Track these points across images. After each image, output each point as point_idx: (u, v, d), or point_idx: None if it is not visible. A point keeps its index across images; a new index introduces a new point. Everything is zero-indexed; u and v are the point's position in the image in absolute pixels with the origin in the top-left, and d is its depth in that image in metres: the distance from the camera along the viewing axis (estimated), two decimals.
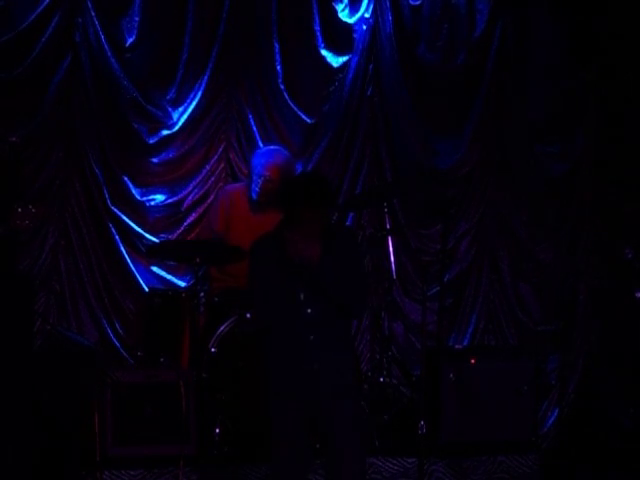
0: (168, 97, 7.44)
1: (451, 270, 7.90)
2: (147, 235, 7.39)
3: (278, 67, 7.58)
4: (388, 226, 7.08)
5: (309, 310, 4.82)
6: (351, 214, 7.73)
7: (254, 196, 7.01)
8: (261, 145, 7.55)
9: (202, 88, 7.48)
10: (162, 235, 7.43)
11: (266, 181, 6.95)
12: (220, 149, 7.57)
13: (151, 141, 7.42)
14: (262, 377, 5.01)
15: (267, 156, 7.04)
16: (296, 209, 4.73)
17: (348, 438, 4.86)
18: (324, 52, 7.69)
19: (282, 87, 7.60)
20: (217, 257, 6.84)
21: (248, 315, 6.41)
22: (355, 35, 7.75)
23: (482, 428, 6.74)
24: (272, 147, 7.24)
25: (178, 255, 6.88)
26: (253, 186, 7.01)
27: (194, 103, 7.48)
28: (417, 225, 7.90)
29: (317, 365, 4.83)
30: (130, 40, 7.31)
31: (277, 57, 7.57)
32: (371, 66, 7.80)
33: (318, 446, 4.99)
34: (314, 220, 4.73)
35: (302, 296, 4.73)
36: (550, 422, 7.79)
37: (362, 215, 7.77)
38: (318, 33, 7.66)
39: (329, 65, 7.72)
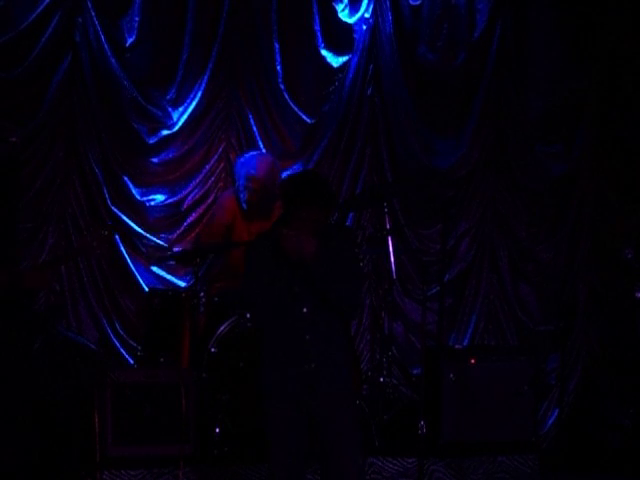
0: (168, 97, 7.44)
1: (451, 270, 7.90)
2: (147, 235, 7.39)
3: (278, 67, 7.58)
4: (388, 226, 7.08)
5: (305, 309, 4.81)
6: (351, 214, 7.73)
7: (244, 206, 7.01)
8: (261, 145, 7.56)
9: (202, 88, 7.48)
10: (162, 235, 7.44)
11: (250, 192, 6.94)
12: (220, 149, 7.57)
13: (151, 141, 7.42)
14: (257, 377, 4.99)
15: (247, 166, 7.00)
16: (294, 208, 4.74)
17: (345, 439, 4.84)
18: (324, 52, 7.70)
19: (282, 87, 7.60)
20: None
21: (248, 315, 6.41)
22: (355, 35, 7.75)
23: (482, 428, 6.74)
24: (252, 154, 7.17)
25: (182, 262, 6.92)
26: (241, 196, 7.01)
27: (194, 103, 7.48)
28: (417, 225, 7.90)
29: (314, 365, 4.82)
30: (130, 40, 7.31)
31: (277, 57, 7.58)
32: (371, 66, 7.80)
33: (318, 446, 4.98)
34: (311, 219, 4.74)
35: (296, 289, 4.75)
36: (550, 422, 7.80)
37: (362, 215, 7.77)
38: (318, 33, 7.66)
39: (329, 65, 7.72)
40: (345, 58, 7.74)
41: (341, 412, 4.86)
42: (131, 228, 7.36)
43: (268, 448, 4.89)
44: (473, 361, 6.82)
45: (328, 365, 4.84)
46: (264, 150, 7.51)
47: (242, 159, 7.13)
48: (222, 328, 6.46)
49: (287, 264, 4.77)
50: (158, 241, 7.41)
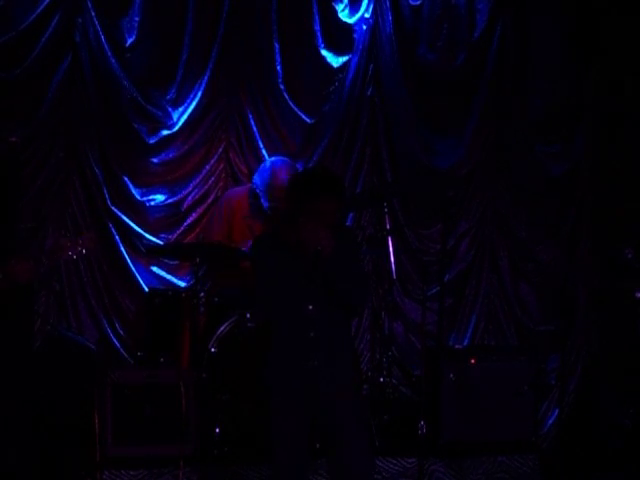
0: (168, 97, 7.45)
1: (451, 270, 7.90)
2: (147, 235, 7.39)
3: (278, 67, 7.58)
4: (388, 226, 7.08)
5: (310, 307, 4.82)
6: (351, 214, 7.73)
7: (267, 211, 6.90)
8: (261, 145, 7.55)
9: (202, 88, 7.48)
10: (162, 235, 7.44)
11: (274, 201, 6.83)
12: (220, 149, 7.57)
13: (151, 141, 7.42)
14: (262, 376, 5.01)
15: (270, 177, 6.82)
16: (310, 202, 4.74)
17: (354, 433, 4.85)
18: (324, 52, 7.70)
19: (282, 87, 7.60)
20: (218, 258, 6.84)
21: (248, 315, 6.41)
22: (355, 35, 7.75)
23: (482, 428, 6.74)
24: (273, 164, 6.94)
25: (179, 256, 6.90)
26: (263, 201, 6.88)
27: (194, 103, 7.48)
28: (417, 225, 7.90)
29: (316, 362, 4.83)
30: (130, 40, 7.32)
31: (277, 57, 7.58)
32: (371, 66, 7.80)
33: (318, 446, 4.98)
34: (328, 211, 4.75)
35: (304, 286, 4.75)
36: (550, 422, 7.79)
37: (362, 215, 7.77)
38: (318, 33, 7.66)
39: (329, 65, 7.72)
40: (345, 58, 7.74)
41: (347, 408, 4.87)
42: (131, 228, 7.36)
43: (271, 446, 4.90)
44: (473, 361, 6.82)
45: (331, 364, 4.85)
46: (265, 150, 7.52)
47: (264, 169, 6.91)
48: (222, 328, 6.46)
49: (297, 261, 4.78)
50: (158, 241, 7.42)
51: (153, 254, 7.31)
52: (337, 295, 4.82)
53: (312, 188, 4.76)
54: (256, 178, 6.93)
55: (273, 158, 7.10)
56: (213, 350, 6.41)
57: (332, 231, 4.75)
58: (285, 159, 7.07)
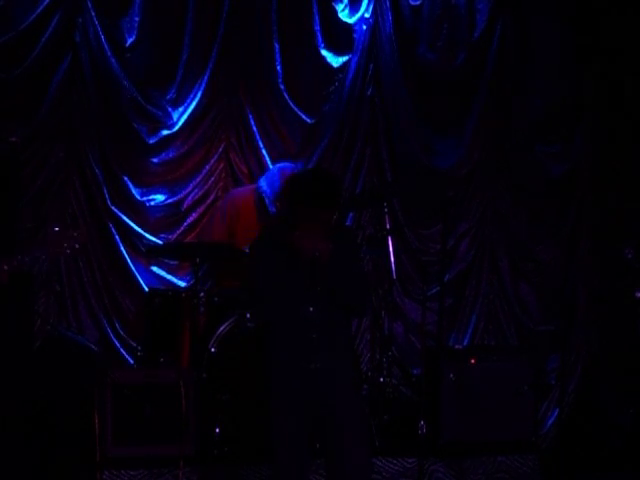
0: (168, 97, 7.45)
1: (451, 270, 7.90)
2: (147, 235, 7.40)
3: (278, 67, 7.58)
4: (388, 226, 7.08)
5: (311, 308, 4.82)
6: (351, 214, 7.73)
7: (274, 211, 6.92)
8: (261, 145, 7.55)
9: (202, 88, 7.48)
10: (162, 235, 7.44)
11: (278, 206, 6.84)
12: (220, 149, 7.57)
13: (151, 141, 7.42)
14: (262, 377, 5.02)
15: (280, 186, 6.80)
16: (305, 208, 4.72)
17: (354, 434, 4.85)
18: (324, 52, 7.70)
19: (282, 87, 7.61)
20: (218, 258, 6.85)
21: (248, 315, 6.41)
22: (355, 35, 7.75)
23: (482, 428, 6.74)
24: (281, 171, 6.94)
25: (179, 256, 6.90)
26: (270, 206, 6.91)
27: (194, 103, 7.48)
28: (417, 225, 7.90)
29: (318, 364, 4.83)
30: (130, 40, 7.32)
31: (277, 57, 7.58)
32: (371, 66, 7.80)
33: (318, 446, 4.98)
34: (323, 220, 4.74)
35: (305, 288, 4.74)
36: (550, 422, 7.80)
37: (362, 215, 7.77)
38: (318, 33, 7.66)
39: (329, 65, 7.72)
40: (345, 58, 7.74)
41: (347, 409, 4.87)
42: (131, 228, 7.36)
43: (272, 446, 4.90)
44: (473, 361, 6.82)
45: (331, 364, 4.85)
46: (265, 150, 7.52)
47: (269, 177, 6.93)
48: (222, 328, 6.45)
49: (296, 264, 4.77)
50: (158, 241, 7.42)
51: (153, 254, 7.32)
52: (337, 297, 4.82)
53: (308, 195, 4.72)
54: (264, 186, 6.93)
55: (280, 165, 7.11)
56: (213, 350, 6.41)
57: (329, 236, 4.75)
58: (292, 165, 7.09)
